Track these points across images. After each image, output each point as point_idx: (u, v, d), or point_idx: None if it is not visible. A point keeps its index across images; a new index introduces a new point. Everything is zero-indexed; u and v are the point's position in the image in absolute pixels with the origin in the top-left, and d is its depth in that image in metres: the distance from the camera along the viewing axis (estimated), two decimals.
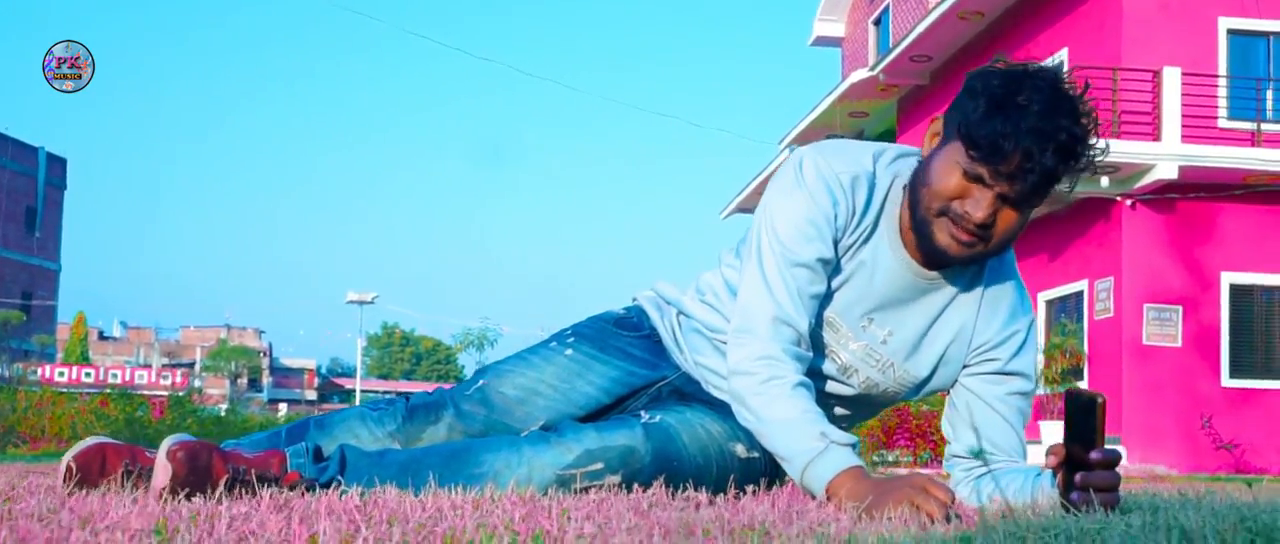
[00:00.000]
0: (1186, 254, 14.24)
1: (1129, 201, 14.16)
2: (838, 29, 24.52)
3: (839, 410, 2.05)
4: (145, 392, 24.47)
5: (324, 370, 73.42)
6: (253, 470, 1.68)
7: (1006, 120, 1.68)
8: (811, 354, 1.91)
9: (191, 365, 57.15)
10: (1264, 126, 14.26)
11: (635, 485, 1.81)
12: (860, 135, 23.00)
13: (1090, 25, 14.94)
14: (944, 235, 1.80)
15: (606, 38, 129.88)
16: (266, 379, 63.83)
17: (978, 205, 1.75)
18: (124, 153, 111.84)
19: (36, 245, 48.09)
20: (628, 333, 2.10)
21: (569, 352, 2.06)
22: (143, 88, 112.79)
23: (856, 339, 1.92)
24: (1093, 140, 1.73)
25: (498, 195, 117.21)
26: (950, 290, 1.93)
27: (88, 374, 39.95)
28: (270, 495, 1.54)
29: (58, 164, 49.51)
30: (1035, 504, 1.64)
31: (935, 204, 1.78)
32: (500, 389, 2.03)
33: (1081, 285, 15.01)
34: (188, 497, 1.59)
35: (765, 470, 1.97)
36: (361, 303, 40.26)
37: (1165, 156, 13.62)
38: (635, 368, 2.05)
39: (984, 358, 1.94)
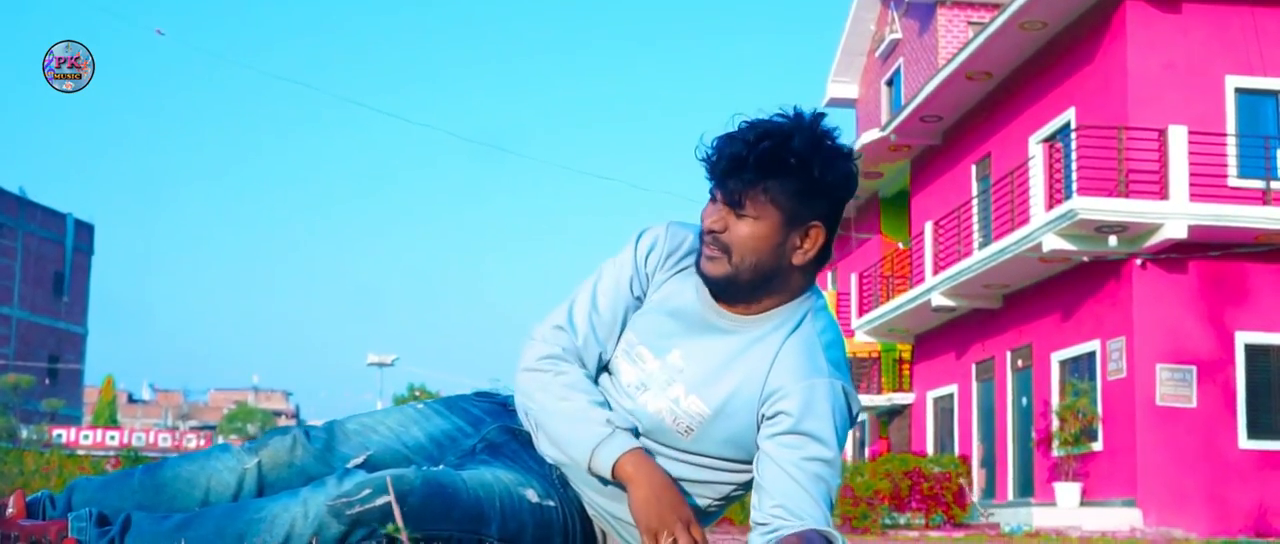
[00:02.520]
0: (1200, 313, 14.05)
1: (1140, 261, 14.01)
2: (851, 90, 24.57)
3: None
4: (163, 454, 24.48)
5: None
6: (26, 537, 1.65)
7: (721, 137, 1.88)
8: (589, 370, 2.00)
9: (214, 427, 57.30)
10: (1274, 185, 14.11)
11: (405, 510, 1.81)
12: (874, 196, 22.96)
13: (1096, 84, 14.89)
14: (702, 258, 1.93)
15: (609, 101, 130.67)
16: None
17: (710, 216, 1.90)
18: (154, 220, 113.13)
19: (64, 310, 48.55)
20: (483, 400, 2.18)
21: (420, 407, 2.15)
22: (169, 155, 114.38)
23: (655, 359, 1.98)
24: (787, 134, 1.84)
25: (510, 256, 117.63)
26: (753, 335, 1.95)
27: (112, 437, 40.07)
28: None
29: (85, 230, 50.11)
30: None
31: (703, 235, 1.93)
32: (345, 425, 2.12)
33: (1093, 345, 14.83)
34: None
35: (560, 517, 1.98)
36: (381, 365, 40.34)
37: (1174, 215, 13.49)
38: (464, 425, 2.11)
39: (776, 410, 1.91)
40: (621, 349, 2.01)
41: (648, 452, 1.93)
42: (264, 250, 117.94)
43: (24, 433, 29.86)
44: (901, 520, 15.30)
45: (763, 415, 1.92)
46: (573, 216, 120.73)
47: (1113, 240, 13.89)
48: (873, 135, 20.06)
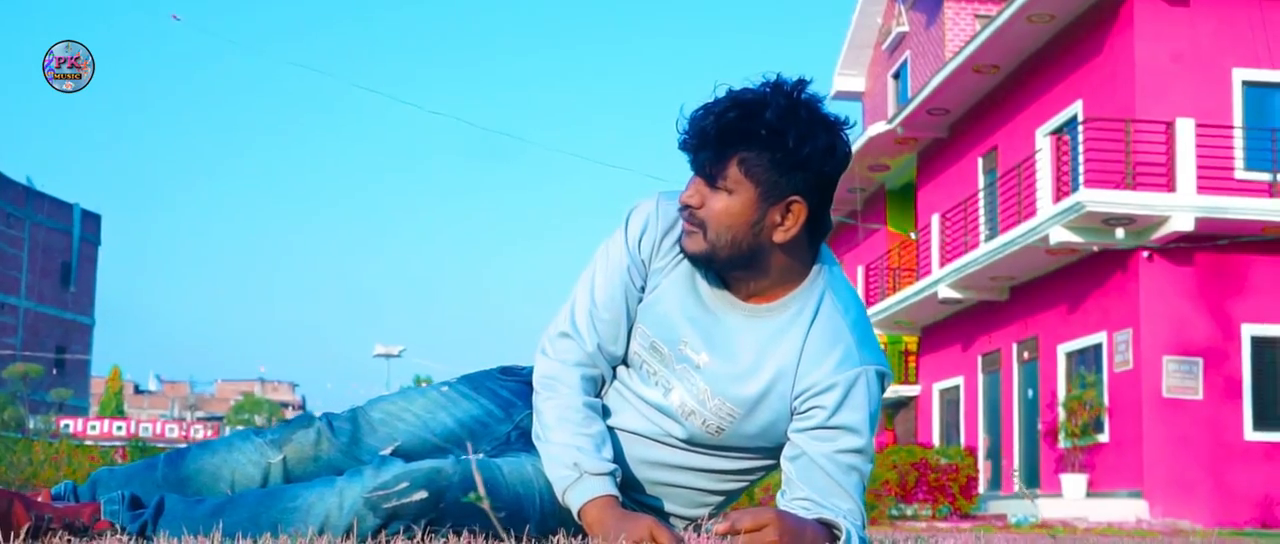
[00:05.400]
0: (1206, 305, 14.06)
1: (1146, 253, 14.02)
2: (858, 83, 24.56)
3: (675, 478, 1.97)
4: (171, 444, 24.57)
5: None
6: (59, 519, 1.67)
7: (693, 111, 1.82)
8: (600, 371, 1.95)
9: (221, 418, 57.48)
10: None
11: (443, 505, 1.79)
12: (881, 189, 22.96)
13: (1104, 77, 14.89)
14: (683, 235, 1.87)
15: (616, 98, 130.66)
16: None
17: (685, 190, 1.84)
18: (161, 210, 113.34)
19: (71, 300, 48.68)
20: (507, 378, 2.12)
21: (444, 389, 2.09)
22: (177, 144, 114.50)
23: (678, 361, 1.91)
24: (761, 104, 1.76)
25: (521, 247, 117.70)
26: (773, 325, 1.88)
27: (119, 427, 40.22)
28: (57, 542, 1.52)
29: (92, 220, 50.21)
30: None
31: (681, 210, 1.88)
32: (369, 414, 2.06)
33: (1100, 337, 14.84)
34: None
35: None
36: (388, 356, 40.44)
37: (1180, 208, 13.49)
38: (494, 408, 2.06)
39: (810, 405, 1.86)
40: (637, 343, 1.94)
41: (677, 441, 1.89)
42: (271, 241, 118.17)
43: (31, 423, 29.96)
44: (908, 512, 15.34)
45: (794, 409, 1.88)
46: (585, 206, 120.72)
47: (1120, 232, 13.90)
48: (879, 128, 20.06)
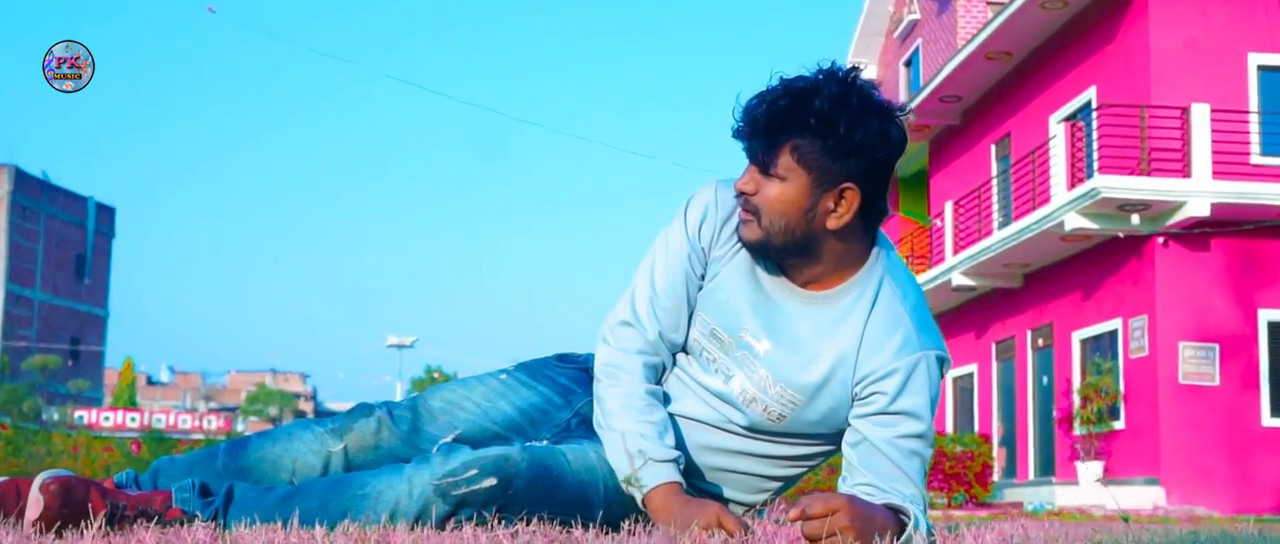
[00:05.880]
0: (1223, 291, 14.04)
1: (1162, 239, 14.00)
2: (870, 71, 24.49)
3: (736, 464, 1.98)
4: (186, 435, 24.69)
5: None
6: (133, 507, 1.70)
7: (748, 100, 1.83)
8: (661, 359, 1.96)
9: (234, 409, 57.67)
10: None
11: (511, 492, 1.81)
12: (893, 177, 22.92)
13: (1118, 63, 14.86)
14: (739, 224, 1.89)
15: (624, 84, 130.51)
16: None
17: (740, 178, 1.86)
18: (173, 202, 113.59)
19: (85, 292, 48.88)
20: (565, 365, 2.14)
21: (503, 377, 2.11)
22: (189, 137, 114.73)
23: (738, 348, 1.92)
24: (813, 90, 1.78)
25: (531, 238, 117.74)
26: (832, 312, 1.89)
27: (133, 418, 40.37)
28: (145, 531, 1.55)
29: (106, 213, 50.41)
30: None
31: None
32: (428, 402, 2.08)
33: (1115, 324, 14.83)
34: (60, 531, 1.61)
35: None
36: (401, 346, 40.53)
37: (1196, 193, 13.47)
38: (553, 395, 2.08)
39: (870, 391, 1.87)
40: (697, 330, 1.95)
41: (729, 437, 1.91)
42: (282, 232, 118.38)
43: (47, 414, 30.10)
44: None
45: (855, 395, 1.89)
46: (599, 196, 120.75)
47: (1135, 219, 13.88)
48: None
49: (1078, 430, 15.03)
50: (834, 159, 1.79)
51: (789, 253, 1.86)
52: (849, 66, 1.83)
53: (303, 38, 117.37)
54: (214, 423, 42.65)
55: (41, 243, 45.82)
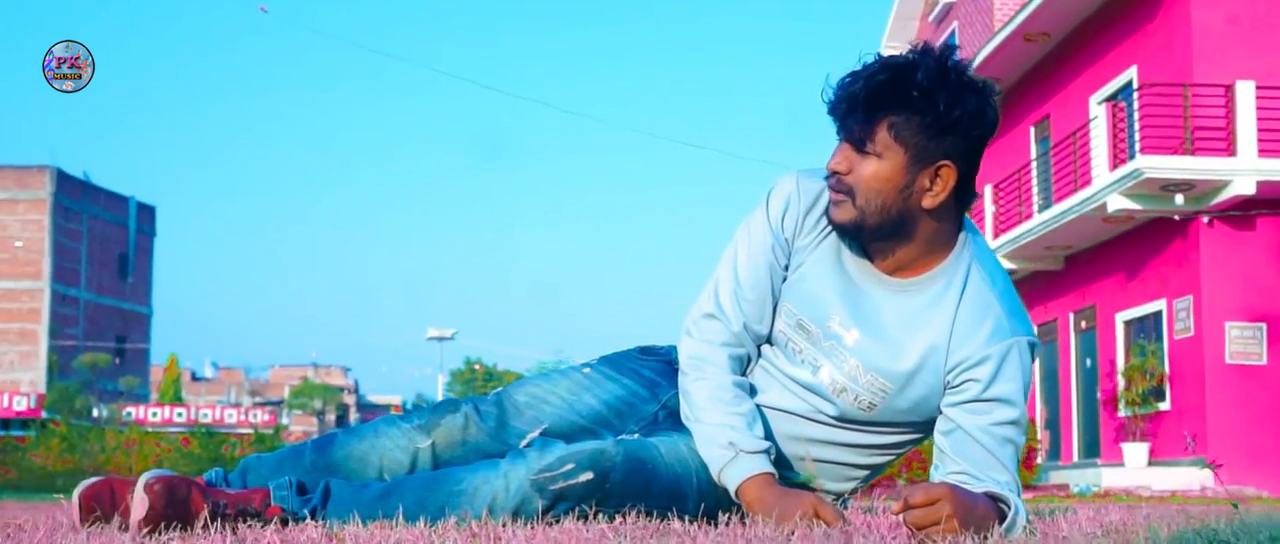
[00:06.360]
0: (1270, 270, 13.90)
1: (1206, 219, 13.87)
2: None
3: (825, 454, 1.97)
4: (233, 430, 24.99)
5: (408, 405, 74.34)
6: (233, 505, 1.74)
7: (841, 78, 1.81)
8: (747, 351, 1.96)
9: (279, 403, 58.18)
10: None
11: (608, 486, 1.81)
12: None
13: (1159, 42, 14.71)
14: (829, 205, 1.87)
15: (665, 72, 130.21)
16: (353, 415, 64.82)
17: (832, 157, 1.83)
18: (212, 199, 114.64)
19: (129, 291, 49.46)
20: (648, 358, 2.14)
21: (587, 371, 2.12)
22: (227, 133, 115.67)
23: (826, 339, 1.91)
24: (912, 68, 1.76)
25: (569, 230, 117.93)
26: (921, 300, 1.88)
27: (180, 414, 40.83)
28: (247, 529, 1.60)
29: (147, 211, 50.98)
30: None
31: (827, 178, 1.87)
32: (514, 397, 2.09)
33: (1159, 305, 14.71)
34: (165, 530, 1.65)
35: None
36: (441, 339, 40.74)
37: (1242, 172, 13.34)
38: (638, 388, 2.08)
39: (963, 379, 1.86)
40: (783, 321, 1.94)
41: (826, 420, 1.91)
42: (319, 226, 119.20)
43: (97, 411, 30.53)
44: None
45: (948, 383, 1.87)
46: (637, 185, 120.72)
47: (1179, 198, 13.76)
48: None
49: (1122, 412, 14.94)
50: (931, 136, 1.77)
51: (882, 234, 1.84)
52: (943, 45, 1.82)
53: (350, 33, 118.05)
54: (259, 416, 43.07)
55: (84, 243, 46.43)
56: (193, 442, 15.86)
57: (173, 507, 1.67)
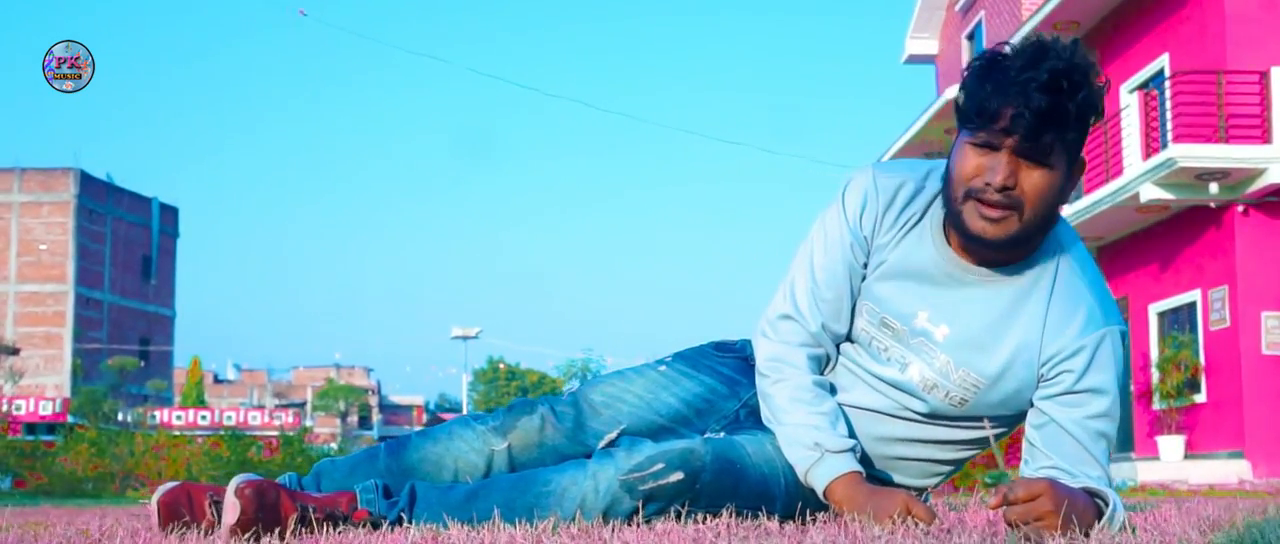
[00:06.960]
0: None
1: (1241, 207, 13.71)
2: (931, 46, 24.23)
3: (911, 451, 1.94)
4: (258, 432, 25.06)
5: (432, 406, 74.49)
6: (321, 509, 1.70)
7: (988, 80, 1.70)
8: (825, 350, 1.93)
9: (302, 405, 58.38)
10: None
11: (698, 486, 1.79)
12: None
13: (1192, 29, 14.55)
14: (975, 219, 1.78)
15: (691, 68, 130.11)
16: (376, 416, 64.98)
17: (995, 171, 1.73)
18: (234, 200, 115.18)
19: (152, 293, 49.70)
20: (724, 354, 2.11)
21: (662, 368, 2.09)
22: (252, 135, 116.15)
23: (913, 336, 1.88)
24: (1087, 73, 1.70)
25: (594, 228, 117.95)
26: (1012, 292, 1.84)
27: (203, 417, 41.04)
28: (337, 533, 1.54)
29: (170, 213, 51.20)
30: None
31: (959, 190, 1.77)
32: (590, 397, 2.06)
33: (1194, 295, 14.56)
34: (256, 535, 1.61)
35: None
36: (465, 338, 40.81)
37: (1277, 160, 13.18)
38: (717, 385, 2.05)
39: (1057, 371, 1.83)
40: (865, 319, 1.91)
41: (905, 418, 1.88)
42: (340, 226, 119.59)
43: (123, 415, 30.65)
44: (1006, 477, 15.19)
45: (1041, 376, 1.85)
46: (654, 179, 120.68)
47: (1213, 187, 13.61)
48: (954, 92, 19.73)
49: (1157, 405, 14.79)
50: (1082, 141, 1.76)
51: (1026, 243, 1.80)
52: (1073, 39, 1.78)
53: (375, 31, 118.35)
54: (284, 418, 43.22)
55: (108, 245, 46.66)
56: (221, 444, 15.85)
57: (263, 511, 1.64)
